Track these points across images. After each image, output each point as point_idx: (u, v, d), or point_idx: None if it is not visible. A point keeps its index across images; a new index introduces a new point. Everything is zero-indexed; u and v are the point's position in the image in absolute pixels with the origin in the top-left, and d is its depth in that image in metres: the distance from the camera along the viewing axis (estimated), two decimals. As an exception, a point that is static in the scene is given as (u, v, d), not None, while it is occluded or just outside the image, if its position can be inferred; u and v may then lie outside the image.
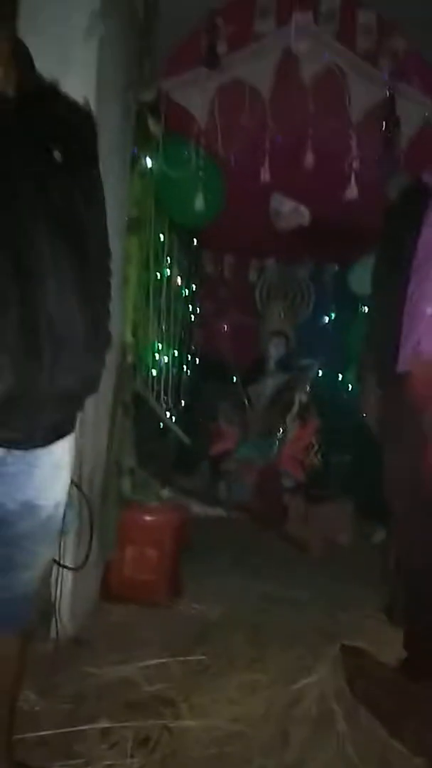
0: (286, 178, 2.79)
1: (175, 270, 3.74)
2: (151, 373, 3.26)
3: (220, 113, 2.54)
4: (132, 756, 1.48)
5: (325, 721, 1.70)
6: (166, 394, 3.63)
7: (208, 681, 1.85)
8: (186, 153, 2.75)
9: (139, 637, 2.13)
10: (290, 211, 3.28)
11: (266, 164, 2.62)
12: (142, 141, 2.70)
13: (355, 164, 2.50)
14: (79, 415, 1.40)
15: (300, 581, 2.84)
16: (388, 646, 2.11)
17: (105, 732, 1.56)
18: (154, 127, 2.66)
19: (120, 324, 2.57)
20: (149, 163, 2.77)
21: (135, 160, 2.68)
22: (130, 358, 2.64)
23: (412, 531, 1.98)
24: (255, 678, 1.88)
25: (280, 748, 1.59)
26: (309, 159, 2.54)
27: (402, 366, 1.90)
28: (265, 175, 2.64)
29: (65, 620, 2.06)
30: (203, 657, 1.99)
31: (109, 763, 1.46)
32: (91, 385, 1.36)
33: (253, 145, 2.59)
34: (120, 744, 1.52)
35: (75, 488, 2.00)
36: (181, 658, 1.97)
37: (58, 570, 2.02)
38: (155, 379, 3.36)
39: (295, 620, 2.37)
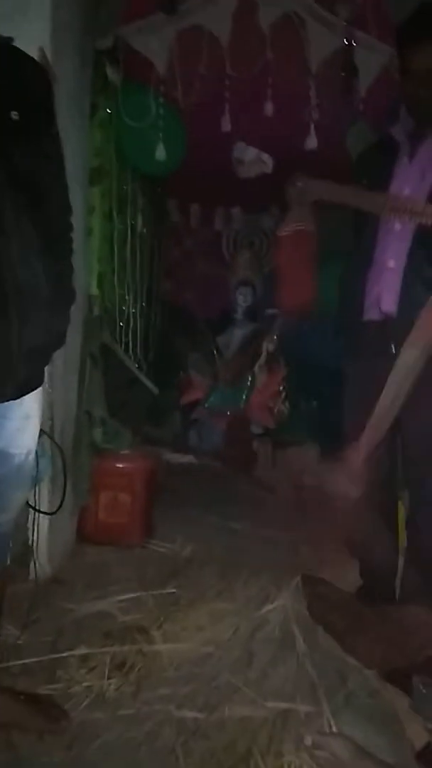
0: (247, 126, 2.79)
1: (140, 220, 3.73)
2: (119, 324, 3.30)
3: (178, 60, 2.51)
4: (109, 678, 1.61)
5: (287, 642, 1.86)
6: (134, 345, 3.68)
7: (180, 611, 1.98)
8: (145, 101, 2.72)
9: (115, 575, 2.26)
10: (252, 160, 3.28)
11: (226, 113, 2.62)
12: (101, 89, 2.66)
13: (314, 113, 2.52)
14: (48, 369, 1.47)
15: (267, 521, 2.99)
16: (347, 576, 2.28)
17: (84, 658, 1.69)
18: (113, 75, 2.62)
19: (85, 277, 2.60)
20: (109, 111, 2.74)
21: (94, 109, 2.65)
22: (96, 311, 2.68)
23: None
24: (223, 607, 2.02)
25: (245, 667, 1.74)
26: (269, 107, 2.54)
27: (365, 315, 1.96)
28: (225, 124, 2.64)
29: (43, 562, 2.17)
30: (175, 590, 2.13)
31: (88, 684, 1.59)
32: (57, 341, 1.42)
33: (213, 93, 2.58)
34: (98, 668, 1.65)
35: (47, 438, 2.08)
36: (154, 592, 2.10)
37: (35, 515, 2.12)
38: (123, 331, 3.40)
39: (261, 555, 2.52)
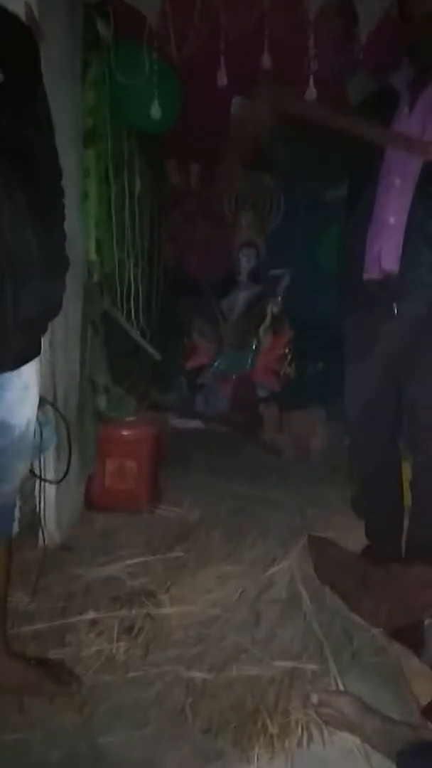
0: (245, 80, 2.69)
1: (138, 182, 3.65)
2: (120, 290, 3.26)
3: (172, 12, 2.41)
4: (118, 641, 1.64)
5: (293, 602, 1.88)
6: (136, 311, 3.64)
7: (187, 574, 2.00)
8: (139, 57, 2.63)
9: (122, 540, 2.29)
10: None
11: (223, 66, 2.52)
12: (92, 46, 2.57)
13: (313, 64, 2.42)
14: (49, 337, 1.45)
15: (274, 484, 3.01)
16: (353, 536, 2.29)
17: (93, 623, 1.72)
18: (104, 30, 2.53)
19: (83, 242, 2.55)
20: (101, 69, 2.65)
21: (86, 67, 2.57)
22: (96, 277, 2.65)
23: (362, 437, 2.10)
24: (230, 569, 2.04)
25: (252, 627, 1.76)
26: (266, 59, 2.45)
27: (365, 274, 1.92)
28: (222, 78, 2.55)
29: (51, 529, 2.19)
30: (182, 554, 2.15)
31: (97, 648, 1.62)
32: (52, 310, 1.39)
33: (209, 47, 2.48)
34: (107, 632, 1.67)
35: (51, 407, 2.07)
36: (162, 556, 2.12)
37: (41, 484, 2.13)
38: (124, 297, 3.36)
39: (268, 518, 2.54)
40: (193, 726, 1.37)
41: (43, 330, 1.39)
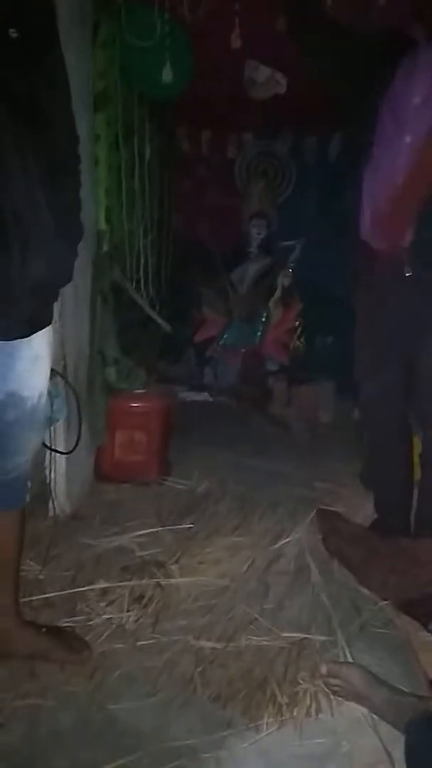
0: (259, 43, 2.61)
1: (148, 149, 3.58)
2: (129, 260, 3.22)
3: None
4: (128, 611, 1.66)
5: (302, 574, 1.89)
6: (146, 282, 3.61)
7: (196, 545, 2.01)
8: (150, 19, 2.55)
9: (132, 511, 2.30)
10: (266, 80, 3.09)
11: (236, 28, 2.45)
12: (103, 7, 2.49)
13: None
14: (58, 308, 1.43)
15: (282, 457, 3.01)
16: (362, 510, 2.30)
17: (103, 592, 1.73)
18: (115, -10, 2.45)
19: (93, 211, 2.51)
20: (112, 32, 2.58)
21: (96, 29, 2.49)
22: (105, 247, 2.61)
23: (373, 410, 2.08)
24: (239, 541, 2.05)
25: (261, 598, 1.77)
26: (281, 21, 2.36)
27: (371, 240, 1.87)
28: (236, 41, 2.48)
29: (61, 500, 2.20)
30: (191, 525, 2.16)
31: (108, 617, 1.64)
32: (64, 276, 1.38)
33: (222, 8, 2.41)
34: (117, 601, 1.69)
35: (61, 378, 2.06)
36: (171, 527, 2.13)
37: (51, 455, 2.14)
38: (134, 267, 3.33)
39: (277, 490, 2.54)
40: (202, 694, 1.39)
41: (54, 297, 1.38)
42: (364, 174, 1.84)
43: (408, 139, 1.74)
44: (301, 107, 3.45)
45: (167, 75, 2.63)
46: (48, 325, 1.37)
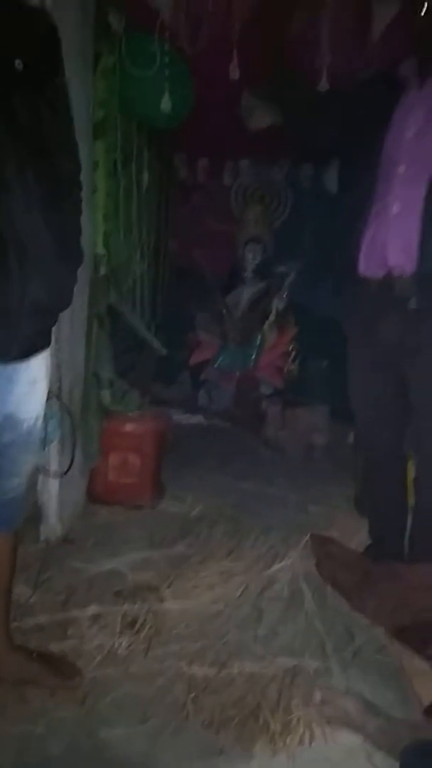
0: (257, 74, 2.68)
1: (146, 176, 3.63)
2: (126, 284, 3.25)
3: (185, 5, 2.39)
4: (120, 636, 1.64)
5: (295, 600, 1.88)
6: (142, 305, 3.64)
7: (189, 570, 2.00)
8: (150, 49, 2.61)
9: (125, 535, 2.29)
10: (263, 110, 3.17)
11: (235, 59, 2.51)
12: (104, 37, 2.55)
13: (327, 57, 2.40)
14: (55, 330, 1.44)
15: (276, 480, 3.00)
16: (356, 535, 2.29)
17: (95, 617, 1.72)
18: (116, 22, 2.51)
19: (91, 235, 2.54)
20: (112, 61, 2.64)
21: (97, 58, 2.55)
22: (102, 270, 2.64)
23: (367, 434, 2.09)
24: (232, 566, 2.04)
25: (254, 624, 1.76)
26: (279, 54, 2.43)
27: (365, 270, 1.89)
28: (234, 72, 2.54)
29: (53, 522, 2.19)
30: (184, 549, 2.15)
31: (99, 642, 1.62)
32: (63, 300, 1.39)
33: (221, 40, 2.47)
34: (109, 626, 1.68)
35: (56, 400, 2.07)
36: (164, 551, 2.12)
37: (44, 477, 2.13)
38: (130, 291, 3.35)
39: (270, 514, 2.53)
40: (195, 721, 1.37)
41: (53, 321, 1.39)
42: (361, 204, 1.86)
43: (402, 169, 1.78)
44: (298, 137, 3.53)
45: (166, 104, 2.68)
46: (46, 348, 1.38)
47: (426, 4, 1.72)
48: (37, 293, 1.23)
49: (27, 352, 1.31)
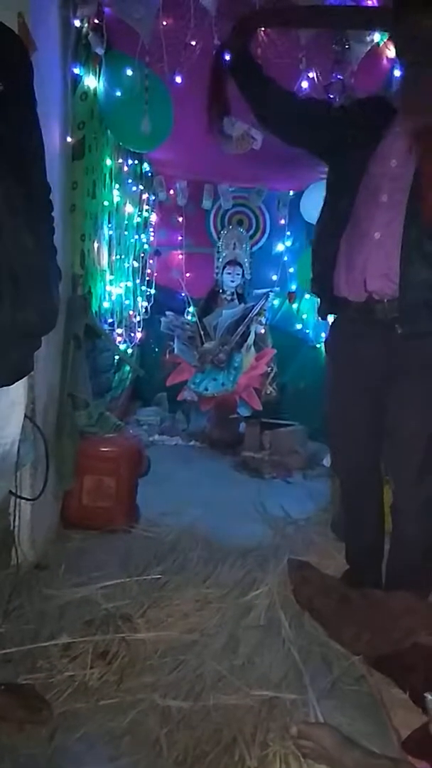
0: (236, 99, 2.70)
1: (125, 197, 3.64)
2: (104, 305, 3.23)
3: (164, 30, 2.42)
4: (92, 667, 1.58)
5: (272, 628, 1.84)
6: (120, 326, 3.61)
7: (164, 597, 1.95)
8: (130, 72, 2.63)
9: (98, 560, 2.23)
10: (241, 135, 3.19)
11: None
12: (84, 60, 2.57)
13: (305, 84, 2.43)
14: (33, 352, 1.41)
15: (254, 503, 2.97)
16: (334, 560, 2.27)
17: (66, 647, 1.65)
18: (96, 45, 2.52)
19: (68, 255, 2.52)
20: (92, 83, 2.65)
21: (77, 81, 2.56)
22: (80, 290, 2.61)
23: (344, 459, 2.08)
24: (208, 592, 1.99)
25: (230, 654, 1.72)
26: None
27: (344, 292, 1.87)
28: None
29: (25, 548, 2.13)
30: (159, 576, 2.09)
31: (70, 674, 1.56)
32: (50, 321, 1.36)
33: (200, 64, 2.49)
34: (80, 657, 1.62)
35: (29, 422, 2.02)
36: (139, 578, 2.07)
37: (16, 501, 2.07)
38: (108, 311, 3.33)
39: (248, 538, 2.50)
40: (168, 757, 1.33)
41: (39, 345, 1.36)
42: (341, 230, 1.85)
43: (384, 197, 1.78)
44: (276, 162, 3.56)
45: (146, 127, 2.69)
46: (29, 372, 1.35)
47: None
48: (26, 316, 1.21)
49: (12, 377, 1.28)
